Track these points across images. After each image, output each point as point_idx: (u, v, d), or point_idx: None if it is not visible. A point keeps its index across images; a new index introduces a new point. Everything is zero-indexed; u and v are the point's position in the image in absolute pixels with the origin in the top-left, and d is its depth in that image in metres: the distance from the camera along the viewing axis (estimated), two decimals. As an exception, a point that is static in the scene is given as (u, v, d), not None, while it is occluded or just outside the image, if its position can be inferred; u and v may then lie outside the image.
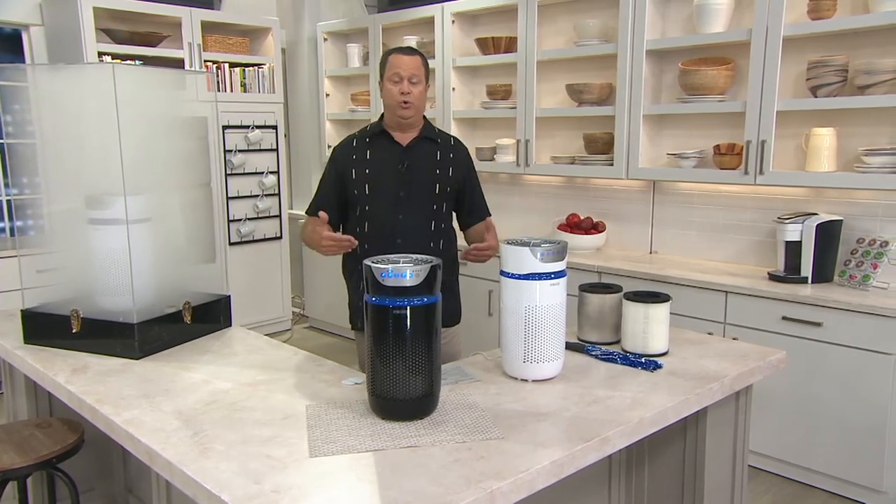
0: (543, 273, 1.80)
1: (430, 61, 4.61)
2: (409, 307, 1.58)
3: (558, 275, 1.82)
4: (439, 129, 2.55)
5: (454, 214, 2.59)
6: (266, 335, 5.56)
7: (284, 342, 5.17)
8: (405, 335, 1.58)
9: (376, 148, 2.46)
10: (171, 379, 1.90)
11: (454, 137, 2.58)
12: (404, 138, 2.45)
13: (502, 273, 1.86)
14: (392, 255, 1.67)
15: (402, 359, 1.58)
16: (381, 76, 2.42)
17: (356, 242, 2.30)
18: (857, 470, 2.89)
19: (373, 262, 1.60)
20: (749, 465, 3.20)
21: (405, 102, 2.36)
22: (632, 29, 3.60)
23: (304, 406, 1.70)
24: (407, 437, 1.52)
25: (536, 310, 1.81)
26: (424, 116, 2.51)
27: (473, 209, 2.58)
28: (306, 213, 2.56)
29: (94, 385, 1.85)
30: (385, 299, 1.58)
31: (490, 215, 2.61)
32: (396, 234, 2.39)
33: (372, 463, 1.41)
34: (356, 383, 1.85)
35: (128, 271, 2.11)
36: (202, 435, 1.53)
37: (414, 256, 1.67)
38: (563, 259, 1.83)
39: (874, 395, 2.81)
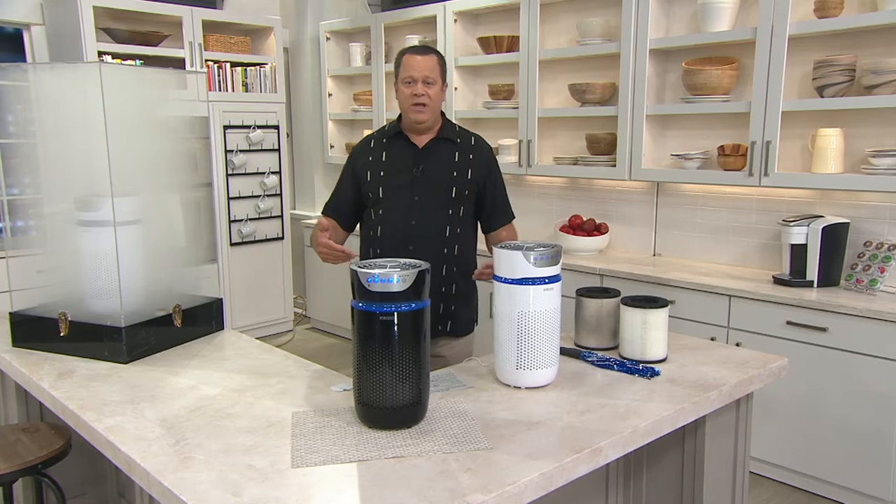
0: (537, 278, 1.76)
1: (432, 61, 4.58)
2: (396, 313, 1.54)
3: (552, 279, 1.77)
4: (460, 128, 2.42)
5: (475, 218, 2.46)
6: (267, 336, 5.51)
7: (286, 343, 5.17)
8: (392, 342, 1.54)
9: (392, 149, 2.36)
10: (158, 384, 1.87)
11: (476, 136, 2.44)
12: (421, 140, 2.34)
13: (495, 277, 1.81)
14: (380, 260, 1.63)
15: (389, 366, 1.54)
16: (396, 77, 2.31)
17: (355, 255, 2.19)
18: (864, 478, 2.83)
19: (359, 267, 1.56)
20: (753, 473, 3.15)
21: (418, 105, 2.25)
22: (635, 28, 3.55)
23: (290, 413, 1.66)
24: (393, 448, 1.48)
25: (530, 315, 1.76)
26: (444, 114, 2.40)
27: (495, 212, 2.45)
28: (322, 212, 2.48)
29: (78, 390, 1.82)
30: (371, 305, 1.53)
31: (514, 218, 2.50)
32: (409, 241, 2.29)
33: (355, 474, 1.37)
34: (345, 389, 1.81)
35: (116, 274, 2.07)
36: (184, 443, 1.50)
37: (402, 261, 1.63)
38: (557, 263, 1.78)
39: (881, 402, 2.75)
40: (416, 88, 2.24)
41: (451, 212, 2.34)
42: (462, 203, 2.36)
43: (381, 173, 2.34)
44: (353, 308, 1.57)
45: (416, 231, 2.30)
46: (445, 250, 2.34)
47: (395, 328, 1.54)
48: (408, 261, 1.62)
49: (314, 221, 5.44)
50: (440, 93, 2.30)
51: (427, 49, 2.31)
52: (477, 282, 2.49)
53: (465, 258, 2.39)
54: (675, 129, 3.73)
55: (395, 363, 1.54)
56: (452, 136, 2.37)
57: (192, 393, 1.80)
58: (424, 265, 1.59)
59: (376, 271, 1.53)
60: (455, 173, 2.34)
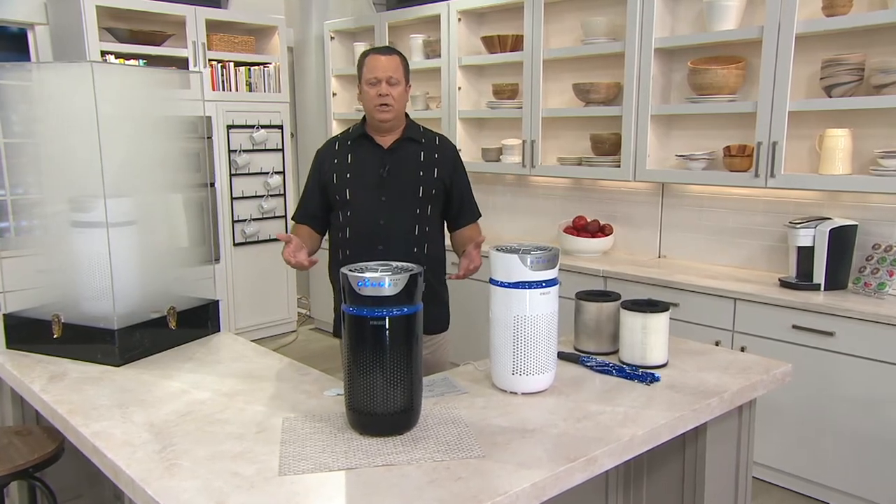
0: (533, 281, 1.72)
1: (435, 60, 4.55)
2: (388, 318, 1.50)
3: (549, 283, 1.74)
4: (424, 129, 2.44)
5: (442, 217, 2.47)
6: (271, 337, 5.46)
7: (289, 344, 5.15)
8: (384, 347, 1.51)
9: (358, 151, 2.37)
10: (149, 388, 1.84)
11: (440, 136, 2.46)
12: (386, 140, 2.35)
13: (491, 281, 1.78)
14: (371, 263, 1.60)
15: (381, 372, 1.51)
16: (359, 79, 2.32)
17: (317, 260, 2.18)
18: (872, 486, 2.78)
19: (349, 271, 1.53)
20: (759, 479, 3.10)
21: (383, 105, 2.26)
22: (640, 27, 3.50)
23: (280, 419, 1.64)
24: (383, 455, 1.45)
25: (526, 320, 1.73)
26: (408, 116, 2.41)
27: (462, 211, 2.46)
28: (292, 218, 2.50)
29: (68, 394, 1.80)
30: (363, 309, 1.50)
31: (480, 216, 2.52)
32: (379, 241, 2.30)
33: (343, 483, 1.34)
34: (338, 394, 1.78)
35: (109, 275, 2.05)
36: (170, 450, 1.47)
37: (394, 264, 1.59)
38: (554, 267, 1.75)
39: (889, 408, 2.70)
40: (381, 89, 2.25)
41: (418, 211, 2.34)
42: (430, 202, 2.36)
43: (348, 175, 2.34)
44: (343, 312, 1.54)
45: (385, 231, 2.31)
46: (415, 249, 2.35)
47: (387, 333, 1.51)
48: (400, 264, 1.59)
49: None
50: (404, 93, 2.31)
51: (389, 50, 2.33)
52: (448, 281, 2.51)
53: (434, 256, 2.40)
54: (680, 130, 3.68)
55: (387, 368, 1.51)
56: (417, 137, 2.38)
57: (182, 397, 1.77)
58: (417, 269, 1.56)
59: (367, 275, 1.49)
60: (421, 172, 2.34)
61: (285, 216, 5.29)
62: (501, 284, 1.74)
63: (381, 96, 2.25)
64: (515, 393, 1.78)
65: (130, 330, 2.05)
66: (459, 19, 4.39)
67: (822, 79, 3.04)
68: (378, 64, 2.26)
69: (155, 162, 2.27)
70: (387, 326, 1.50)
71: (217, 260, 4.92)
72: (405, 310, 1.52)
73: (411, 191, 2.33)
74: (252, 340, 5.23)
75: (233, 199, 4.99)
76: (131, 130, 2.17)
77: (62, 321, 2.07)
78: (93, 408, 1.71)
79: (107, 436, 1.54)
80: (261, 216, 5.15)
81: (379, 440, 1.52)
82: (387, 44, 4.90)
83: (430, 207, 2.37)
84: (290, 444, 1.50)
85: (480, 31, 4.49)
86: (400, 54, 2.32)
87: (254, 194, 5.10)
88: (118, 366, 2.01)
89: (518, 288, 1.72)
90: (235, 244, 5.04)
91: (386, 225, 2.31)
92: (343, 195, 2.33)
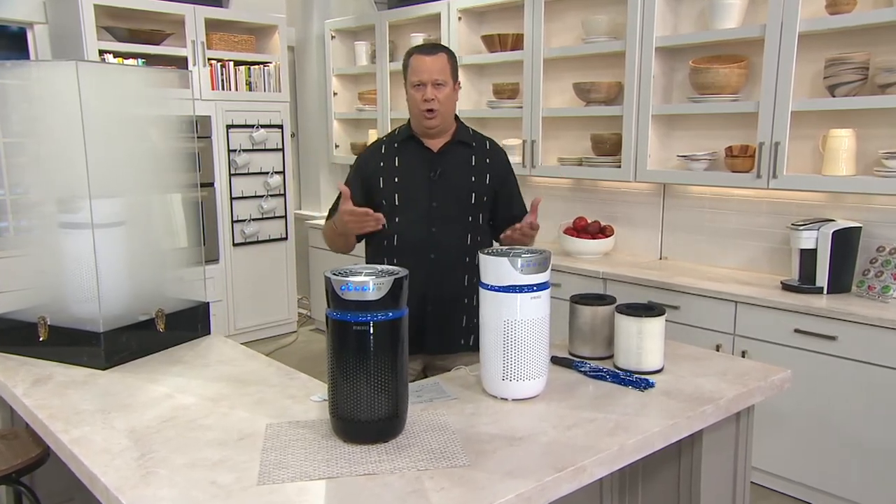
0: (524, 285, 1.68)
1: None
2: (371, 323, 1.47)
3: (540, 287, 1.70)
4: (474, 132, 2.33)
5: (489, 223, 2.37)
6: (271, 338, 5.42)
7: (289, 345, 5.12)
8: (368, 353, 1.47)
9: (405, 154, 2.24)
10: (133, 392, 1.81)
11: (490, 140, 2.35)
12: (435, 143, 2.24)
13: (481, 284, 1.74)
14: (355, 266, 1.56)
15: (365, 378, 1.47)
16: (405, 80, 2.21)
17: (383, 219, 2.07)
18: (876, 493, 2.72)
19: (333, 274, 1.49)
20: (759, 485, 3.05)
21: (429, 111, 2.14)
22: (641, 25, 3.46)
23: (264, 425, 1.60)
24: (366, 464, 1.41)
25: (516, 324, 1.68)
26: (458, 117, 2.29)
27: (513, 214, 2.30)
28: (327, 220, 2.36)
29: (51, 398, 1.77)
30: (346, 314, 1.47)
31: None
32: (430, 249, 2.20)
33: (322, 493, 1.30)
34: (324, 399, 1.74)
35: (95, 277, 2.02)
36: (149, 457, 1.44)
37: (379, 268, 1.56)
38: (545, 270, 1.71)
39: (892, 413, 2.64)
40: (426, 93, 2.14)
41: (470, 218, 2.25)
42: (481, 209, 2.27)
43: (396, 179, 2.23)
44: (327, 317, 1.50)
45: (437, 238, 2.20)
46: (467, 259, 2.24)
47: (371, 338, 1.47)
48: (385, 268, 1.56)
49: (319, 222, 5.40)
50: (451, 94, 2.19)
51: (435, 48, 2.20)
52: None
53: None
54: (681, 130, 3.63)
55: (371, 375, 1.47)
56: (468, 140, 2.28)
57: (166, 402, 1.74)
58: (402, 272, 1.52)
59: (351, 279, 1.46)
60: (473, 178, 2.24)
61: (285, 216, 5.26)
62: (491, 288, 1.70)
63: (426, 101, 2.13)
64: (506, 399, 1.74)
65: (117, 332, 2.02)
66: (460, 18, 4.36)
67: (825, 78, 2.98)
68: (422, 65, 2.13)
69: (145, 162, 2.24)
70: (371, 332, 1.47)
71: (216, 260, 4.90)
72: (390, 314, 1.48)
73: (464, 197, 2.22)
74: (252, 341, 5.18)
75: (232, 199, 4.96)
76: (120, 130, 2.14)
77: (48, 323, 2.05)
78: (74, 413, 1.68)
79: (86, 442, 1.51)
80: (261, 216, 5.12)
81: (362, 448, 1.48)
82: (387, 43, 4.87)
83: (482, 216, 2.27)
84: (271, 452, 1.46)
85: (481, 29, 4.45)
86: (447, 51, 2.19)
87: (253, 194, 5.07)
88: (104, 369, 1.98)
89: (508, 292, 1.68)
90: (235, 244, 5.01)
91: (438, 232, 2.20)
92: (391, 199, 2.21)
